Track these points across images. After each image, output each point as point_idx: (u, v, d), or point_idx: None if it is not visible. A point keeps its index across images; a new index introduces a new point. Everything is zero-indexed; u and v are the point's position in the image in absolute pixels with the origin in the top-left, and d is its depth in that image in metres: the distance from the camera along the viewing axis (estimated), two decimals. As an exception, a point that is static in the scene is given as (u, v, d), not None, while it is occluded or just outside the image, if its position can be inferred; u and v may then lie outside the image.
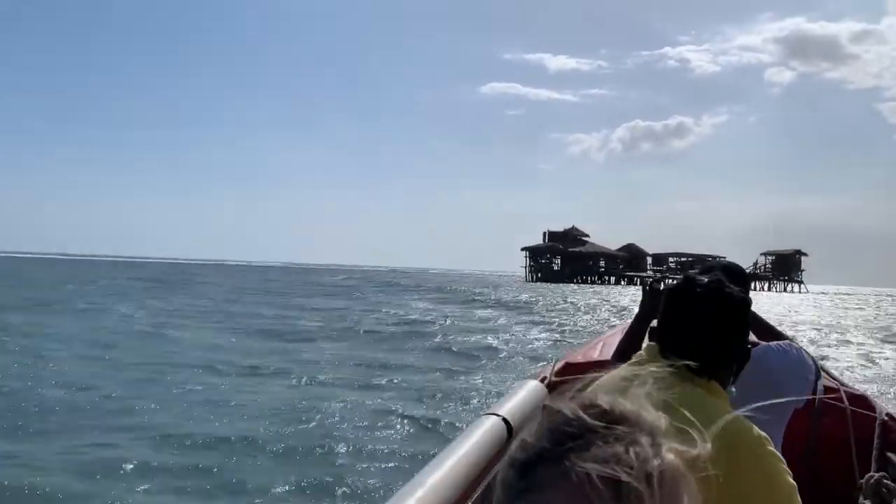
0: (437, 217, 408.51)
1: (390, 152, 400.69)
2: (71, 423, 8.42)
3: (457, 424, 8.16)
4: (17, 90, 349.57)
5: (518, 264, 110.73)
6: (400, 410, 9.43)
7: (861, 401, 2.87)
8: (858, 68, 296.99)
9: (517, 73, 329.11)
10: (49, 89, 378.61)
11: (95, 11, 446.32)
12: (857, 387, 3.43)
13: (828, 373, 3.00)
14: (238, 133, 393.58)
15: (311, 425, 8.63)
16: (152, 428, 8.33)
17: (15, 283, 40.80)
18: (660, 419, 0.64)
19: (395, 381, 11.97)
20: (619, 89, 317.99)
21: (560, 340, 18.94)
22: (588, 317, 29.72)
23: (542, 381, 3.02)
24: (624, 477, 0.56)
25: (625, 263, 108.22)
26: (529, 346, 17.92)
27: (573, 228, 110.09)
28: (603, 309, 34.69)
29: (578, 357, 3.54)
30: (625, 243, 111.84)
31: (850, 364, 15.89)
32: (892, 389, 12.07)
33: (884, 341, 22.40)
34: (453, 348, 16.82)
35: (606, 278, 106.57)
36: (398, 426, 8.72)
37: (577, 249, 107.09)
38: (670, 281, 2.04)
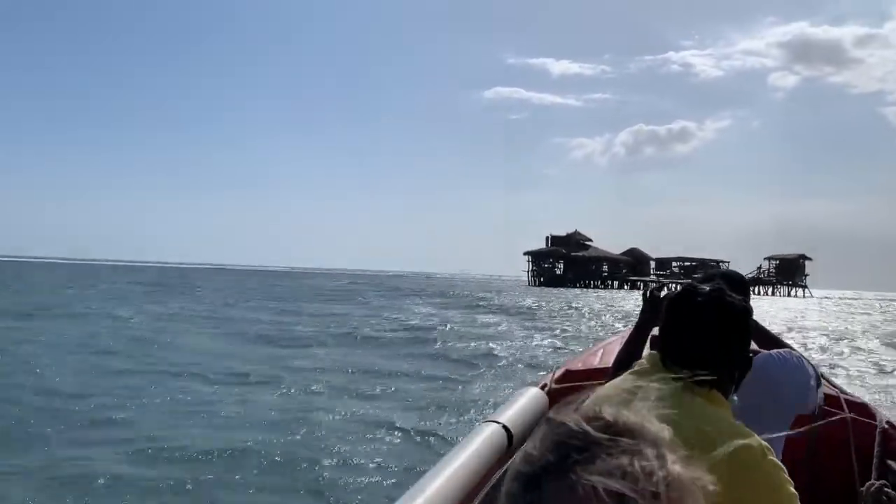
0: (439, 221, 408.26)
1: (392, 155, 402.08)
2: (48, 434, 8.06)
3: (452, 438, 7.81)
4: (18, 90, 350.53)
5: (521, 269, 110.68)
6: (393, 422, 9.10)
7: (861, 409, 2.89)
8: (862, 72, 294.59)
9: (520, 78, 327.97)
10: (49, 89, 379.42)
11: (96, 12, 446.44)
12: (859, 395, 3.37)
13: (828, 380, 3.02)
14: (238, 134, 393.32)
15: (299, 437, 8.33)
16: (132, 440, 8.01)
17: (20, 287, 41.15)
18: (663, 430, 0.64)
19: (391, 390, 11.67)
20: (623, 94, 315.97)
21: (562, 348, 18.57)
22: (593, 322, 29.37)
23: (543, 388, 3.05)
24: (629, 490, 0.57)
25: (628, 268, 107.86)
26: (530, 353, 17.54)
27: (576, 233, 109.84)
28: (608, 315, 34.34)
29: (578, 364, 3.56)
30: (628, 248, 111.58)
31: (861, 371, 15.56)
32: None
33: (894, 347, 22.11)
34: (453, 355, 16.48)
35: (610, 283, 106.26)
36: (389, 438, 8.39)
37: (580, 254, 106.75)
38: (672, 287, 2.09)
